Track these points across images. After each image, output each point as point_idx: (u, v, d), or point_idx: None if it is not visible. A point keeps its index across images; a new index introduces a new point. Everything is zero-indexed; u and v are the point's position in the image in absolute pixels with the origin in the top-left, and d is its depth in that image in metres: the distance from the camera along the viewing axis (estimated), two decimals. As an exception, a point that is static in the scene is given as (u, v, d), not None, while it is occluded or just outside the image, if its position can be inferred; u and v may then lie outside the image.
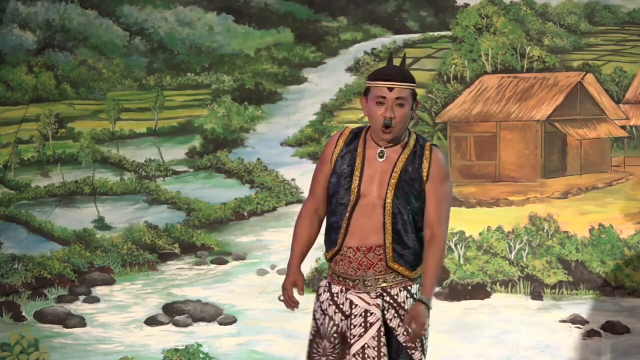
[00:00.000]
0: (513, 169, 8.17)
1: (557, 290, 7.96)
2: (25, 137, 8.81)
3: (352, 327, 4.85)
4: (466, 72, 8.26)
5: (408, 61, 8.38)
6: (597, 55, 8.17)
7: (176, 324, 8.34)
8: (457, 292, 7.99)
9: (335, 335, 4.91)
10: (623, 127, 8.11)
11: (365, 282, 4.87)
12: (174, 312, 8.37)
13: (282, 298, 5.05)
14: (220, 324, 8.29)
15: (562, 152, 8.17)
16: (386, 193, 4.82)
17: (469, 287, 8.02)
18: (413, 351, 4.85)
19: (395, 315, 4.84)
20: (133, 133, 8.76)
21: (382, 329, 4.81)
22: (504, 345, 7.86)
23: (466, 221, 8.09)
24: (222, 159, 8.58)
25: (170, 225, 8.54)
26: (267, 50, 8.64)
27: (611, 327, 7.85)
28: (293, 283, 5.00)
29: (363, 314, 4.84)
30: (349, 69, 8.53)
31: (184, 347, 8.19)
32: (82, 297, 8.52)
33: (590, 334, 7.85)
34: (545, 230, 8.00)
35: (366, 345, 4.80)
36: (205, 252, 8.48)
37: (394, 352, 4.84)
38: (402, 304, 4.85)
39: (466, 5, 8.32)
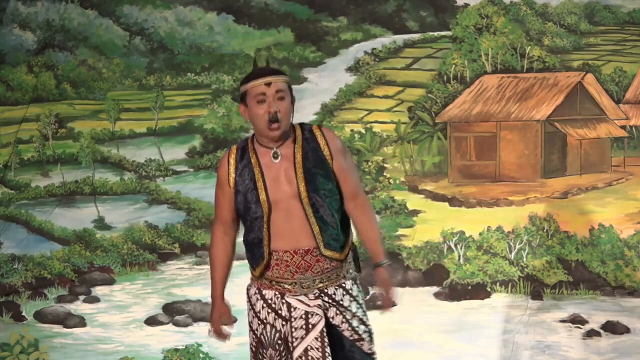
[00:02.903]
0: (513, 169, 8.17)
1: (557, 290, 7.96)
2: (25, 137, 8.82)
3: (293, 330, 4.83)
4: (466, 72, 8.26)
5: (408, 61, 8.44)
6: (597, 55, 8.18)
7: (176, 324, 8.34)
8: (457, 292, 7.99)
9: (279, 342, 4.90)
10: (623, 127, 8.11)
11: (302, 284, 4.86)
12: (174, 312, 8.37)
13: (210, 332, 5.07)
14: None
15: (562, 152, 8.17)
16: (298, 188, 4.83)
17: (469, 287, 8.03)
18: (361, 342, 4.87)
19: (338, 312, 4.86)
20: (133, 133, 8.76)
21: (325, 329, 4.80)
22: (504, 345, 7.86)
23: (466, 221, 8.09)
24: (222, 159, 8.58)
25: (170, 225, 8.54)
26: (267, 50, 8.64)
27: (611, 327, 7.85)
28: (220, 315, 5.05)
29: (304, 316, 4.83)
30: (349, 69, 8.53)
31: (184, 347, 8.20)
32: (82, 297, 8.52)
33: (590, 334, 7.85)
34: (545, 230, 8.00)
35: (309, 347, 4.79)
36: (205, 252, 8.48)
37: (344, 350, 4.84)
38: (341, 302, 4.87)
39: (466, 5, 8.32)
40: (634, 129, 8.10)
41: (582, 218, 8.00)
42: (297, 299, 4.86)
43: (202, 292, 8.38)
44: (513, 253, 8.02)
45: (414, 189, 8.15)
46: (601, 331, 7.85)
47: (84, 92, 8.82)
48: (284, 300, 4.88)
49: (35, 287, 8.55)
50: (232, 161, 4.99)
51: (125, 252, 8.53)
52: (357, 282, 4.99)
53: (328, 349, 4.78)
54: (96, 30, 8.84)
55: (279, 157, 4.89)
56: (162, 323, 8.37)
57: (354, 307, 4.88)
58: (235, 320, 5.02)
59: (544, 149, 8.14)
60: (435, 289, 7.99)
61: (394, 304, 4.86)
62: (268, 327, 4.91)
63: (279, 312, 4.89)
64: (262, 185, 4.88)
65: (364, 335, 4.88)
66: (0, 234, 8.68)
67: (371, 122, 8.35)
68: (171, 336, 8.29)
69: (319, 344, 4.78)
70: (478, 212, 8.14)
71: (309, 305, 4.83)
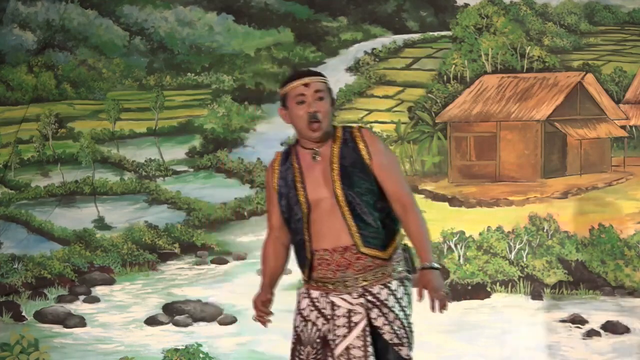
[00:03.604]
0: (513, 169, 8.17)
1: (557, 290, 7.96)
2: (25, 137, 8.82)
3: (335, 328, 4.84)
4: (466, 72, 8.26)
5: (408, 61, 8.45)
6: (597, 55, 8.18)
7: (176, 324, 8.34)
8: (457, 292, 7.99)
9: (317, 340, 4.90)
10: (623, 127, 8.11)
11: (346, 283, 4.87)
12: (174, 312, 8.37)
13: (255, 318, 5.09)
14: (220, 324, 8.29)
15: (562, 152, 8.17)
16: (334, 187, 4.85)
17: (469, 287, 8.03)
18: (400, 347, 4.85)
19: (380, 314, 4.84)
20: (133, 133, 8.76)
21: (368, 328, 4.81)
22: (504, 345, 7.86)
23: (466, 221, 8.09)
24: (222, 159, 8.58)
25: (170, 225, 8.54)
26: (267, 50, 8.64)
27: (611, 327, 7.85)
28: (262, 301, 5.06)
29: (346, 314, 4.84)
30: (349, 69, 8.53)
31: (184, 347, 8.20)
32: (82, 297, 8.53)
33: (590, 334, 7.85)
34: (545, 230, 8.00)
35: (351, 346, 4.80)
36: (205, 252, 8.48)
37: (381, 352, 4.84)
38: (385, 302, 4.86)
39: (466, 5, 8.32)
40: (634, 129, 8.10)
41: (582, 218, 8.00)
42: (340, 298, 4.87)
43: (202, 292, 8.39)
44: (513, 253, 8.02)
45: (414, 189, 8.15)
46: (601, 331, 7.85)
47: (84, 92, 8.82)
48: (328, 299, 4.89)
49: (35, 287, 8.55)
50: (275, 166, 5.05)
51: (125, 252, 8.53)
52: (406, 284, 4.95)
53: (370, 349, 4.78)
54: (96, 30, 8.84)
55: (318, 158, 4.91)
56: (162, 323, 8.37)
57: (397, 309, 4.87)
58: (272, 313, 5.05)
59: (544, 149, 8.14)
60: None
61: (441, 309, 4.78)
62: (309, 324, 4.92)
63: (322, 310, 4.90)
64: (302, 187, 4.91)
65: (404, 340, 4.86)
66: (0, 234, 8.68)
67: (371, 122, 8.35)
68: (171, 336, 8.29)
69: (361, 342, 4.79)
70: (478, 212, 8.13)
71: (351, 304, 4.84)
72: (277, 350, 8.02)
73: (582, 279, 7.94)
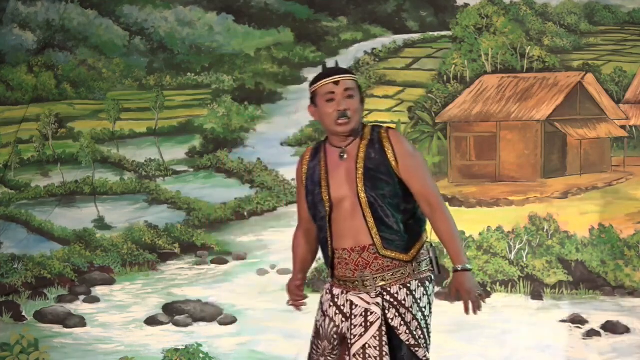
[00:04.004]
0: (513, 169, 8.17)
1: (557, 290, 7.96)
2: (25, 137, 8.82)
3: (352, 327, 4.85)
4: (466, 72, 8.26)
5: (408, 61, 8.45)
6: (597, 55, 8.18)
7: (176, 324, 8.34)
8: (457, 292, 7.97)
9: (335, 336, 4.91)
10: (623, 127, 8.11)
11: (365, 282, 4.87)
12: (174, 312, 8.37)
13: (289, 303, 5.12)
14: (220, 324, 8.29)
15: (562, 152, 8.17)
16: (356, 188, 4.84)
17: (469, 287, 8.02)
18: (417, 349, 4.85)
19: (397, 314, 4.83)
20: (133, 133, 8.76)
21: (384, 328, 4.80)
22: (504, 345, 7.86)
23: (466, 221, 8.08)
24: (222, 159, 8.58)
25: (170, 225, 8.54)
26: (267, 50, 8.64)
27: (611, 327, 7.85)
28: (294, 287, 5.09)
29: (363, 313, 4.84)
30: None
31: (184, 347, 8.19)
32: (82, 297, 8.52)
33: (590, 334, 7.85)
34: (545, 230, 8.00)
35: (367, 345, 4.80)
36: (205, 252, 8.48)
37: (397, 352, 4.84)
38: (403, 302, 4.84)
39: (466, 5, 8.32)
40: (634, 129, 8.10)
41: (582, 218, 8.00)
42: (358, 297, 4.88)
43: (202, 292, 8.39)
44: (513, 253, 8.02)
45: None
46: (601, 331, 7.85)
47: (84, 92, 8.82)
48: (347, 298, 4.90)
49: (35, 287, 8.55)
50: (305, 162, 5.05)
51: (125, 252, 8.53)
52: (426, 284, 4.93)
53: (386, 348, 4.78)
54: (96, 30, 8.84)
55: (345, 156, 4.91)
56: (162, 323, 8.37)
57: (415, 309, 4.85)
58: (306, 296, 5.08)
59: (544, 149, 8.14)
60: (435, 289, 7.99)
61: (476, 310, 4.79)
62: (327, 320, 4.94)
63: (342, 308, 4.91)
64: (326, 185, 4.91)
65: (420, 341, 4.85)
66: (0, 234, 8.68)
67: (371, 123, 8.34)
68: (171, 336, 8.29)
69: (377, 342, 4.79)
70: (478, 212, 8.13)
71: (368, 303, 4.84)
72: (277, 350, 8.02)
73: (582, 279, 7.94)
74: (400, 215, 4.84)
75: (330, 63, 8.56)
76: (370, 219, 4.82)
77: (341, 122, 4.86)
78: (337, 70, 5.01)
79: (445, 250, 4.85)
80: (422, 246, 4.91)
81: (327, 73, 4.98)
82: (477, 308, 4.72)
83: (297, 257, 5.18)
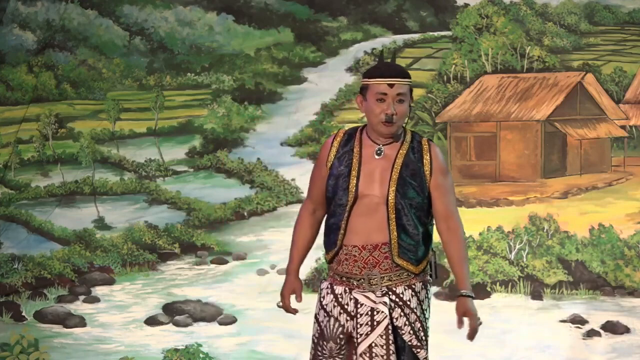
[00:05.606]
0: (513, 169, 8.17)
1: (557, 290, 7.95)
2: (25, 137, 8.82)
3: (358, 326, 4.84)
4: (466, 72, 8.26)
5: (408, 61, 8.44)
6: (597, 55, 8.18)
7: (176, 324, 8.34)
8: (457, 292, 7.98)
9: (341, 336, 4.90)
10: (623, 127, 8.11)
11: (371, 281, 4.86)
12: (174, 312, 8.37)
13: (280, 305, 5.08)
14: (220, 324, 8.29)
15: (562, 152, 8.17)
16: (388, 190, 4.83)
17: (469, 287, 8.02)
18: (418, 350, 4.85)
19: (402, 314, 4.83)
20: (133, 133, 8.76)
21: (390, 327, 4.80)
22: (504, 345, 7.85)
23: (466, 221, 7.98)
24: (222, 159, 8.58)
25: (170, 225, 8.54)
26: (267, 50, 8.64)
27: (611, 327, 7.84)
28: (291, 291, 5.04)
29: (369, 312, 4.84)
30: (349, 69, 8.53)
31: (184, 347, 8.19)
32: (82, 297, 8.52)
33: (590, 334, 7.85)
34: (545, 230, 8.00)
35: (373, 344, 4.80)
36: (205, 252, 8.48)
37: (399, 352, 4.84)
38: (408, 302, 4.85)
39: (466, 5, 8.32)
40: (634, 129, 8.10)
41: (582, 218, 8.00)
42: (364, 295, 4.86)
43: (202, 292, 8.39)
44: (513, 253, 8.01)
45: (414, 189, 8.15)
46: (601, 331, 7.84)
47: (84, 92, 8.82)
48: (351, 296, 4.88)
49: (35, 287, 8.55)
50: (335, 144, 4.96)
51: (125, 252, 8.53)
52: (428, 287, 4.96)
53: (392, 347, 4.78)
54: (96, 30, 8.84)
55: (382, 154, 4.89)
56: (162, 323, 8.36)
57: (418, 311, 4.87)
58: (296, 311, 5.05)
59: (544, 149, 8.14)
60: (435, 289, 7.98)
61: (474, 334, 4.87)
62: (332, 320, 4.91)
63: (346, 307, 4.89)
64: (356, 175, 4.87)
65: (423, 343, 4.87)
66: (0, 234, 8.68)
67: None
68: (171, 336, 8.29)
69: (384, 341, 4.79)
70: (478, 212, 8.13)
71: (375, 302, 4.83)
72: (277, 350, 8.02)
73: (582, 279, 7.94)
74: (421, 228, 4.85)
75: (331, 63, 8.57)
76: (393, 225, 4.80)
77: (387, 124, 4.83)
78: (394, 71, 4.91)
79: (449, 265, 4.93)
80: (428, 261, 4.93)
81: (383, 71, 4.90)
82: (474, 335, 4.80)
83: (298, 240, 5.08)
